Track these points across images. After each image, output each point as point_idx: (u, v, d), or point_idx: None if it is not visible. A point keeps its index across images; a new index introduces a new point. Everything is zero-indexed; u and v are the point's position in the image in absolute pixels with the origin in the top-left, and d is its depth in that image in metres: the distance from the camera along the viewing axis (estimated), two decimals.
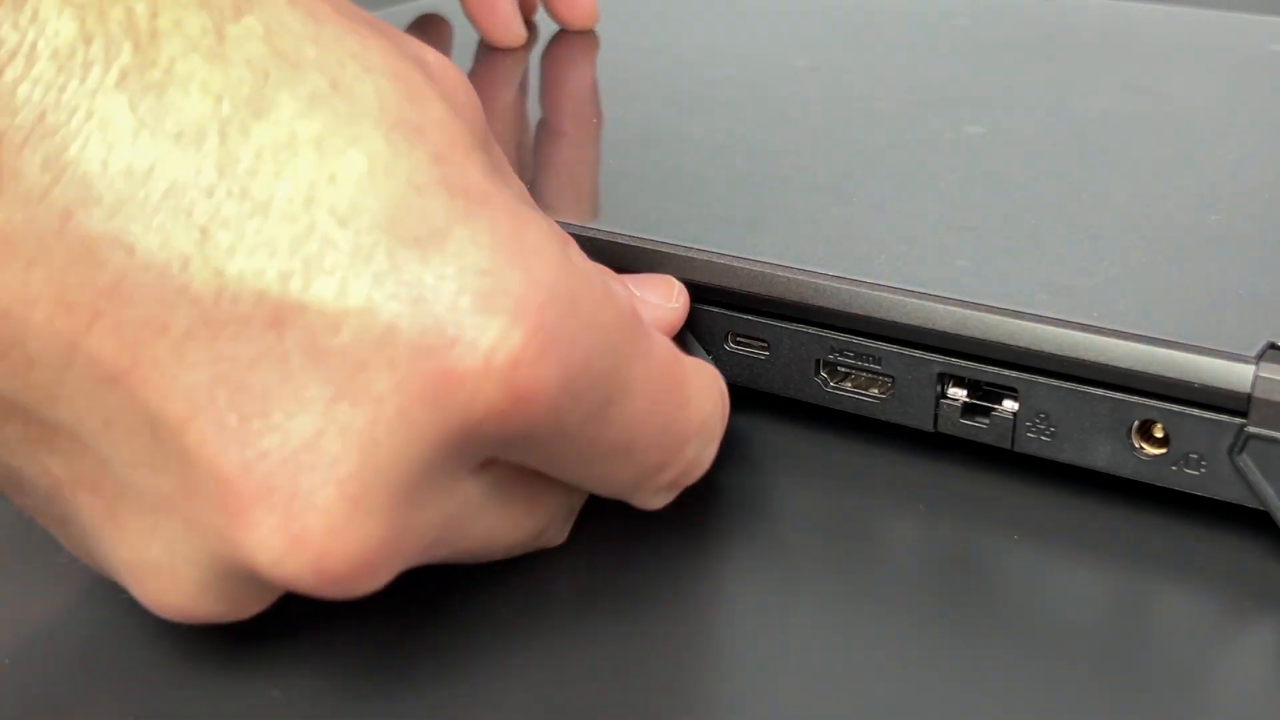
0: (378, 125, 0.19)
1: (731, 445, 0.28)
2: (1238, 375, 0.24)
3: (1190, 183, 0.32)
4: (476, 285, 0.19)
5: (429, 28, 0.45)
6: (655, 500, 0.24)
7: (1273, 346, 0.24)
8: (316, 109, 0.19)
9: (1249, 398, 0.24)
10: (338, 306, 0.18)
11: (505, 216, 0.20)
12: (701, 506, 0.26)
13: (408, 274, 0.19)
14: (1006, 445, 0.26)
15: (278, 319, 0.18)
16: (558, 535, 0.24)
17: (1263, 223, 0.29)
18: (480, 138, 0.22)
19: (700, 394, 0.23)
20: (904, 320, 0.26)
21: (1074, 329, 0.25)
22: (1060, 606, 0.24)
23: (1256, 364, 0.24)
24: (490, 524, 0.22)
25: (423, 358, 0.18)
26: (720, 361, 0.28)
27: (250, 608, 0.21)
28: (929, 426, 0.27)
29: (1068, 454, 0.26)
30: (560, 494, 0.23)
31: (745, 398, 0.29)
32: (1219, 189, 0.31)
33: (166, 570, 0.20)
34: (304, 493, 0.18)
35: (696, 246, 0.28)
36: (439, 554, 0.21)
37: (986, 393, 0.26)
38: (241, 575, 0.20)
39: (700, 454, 0.24)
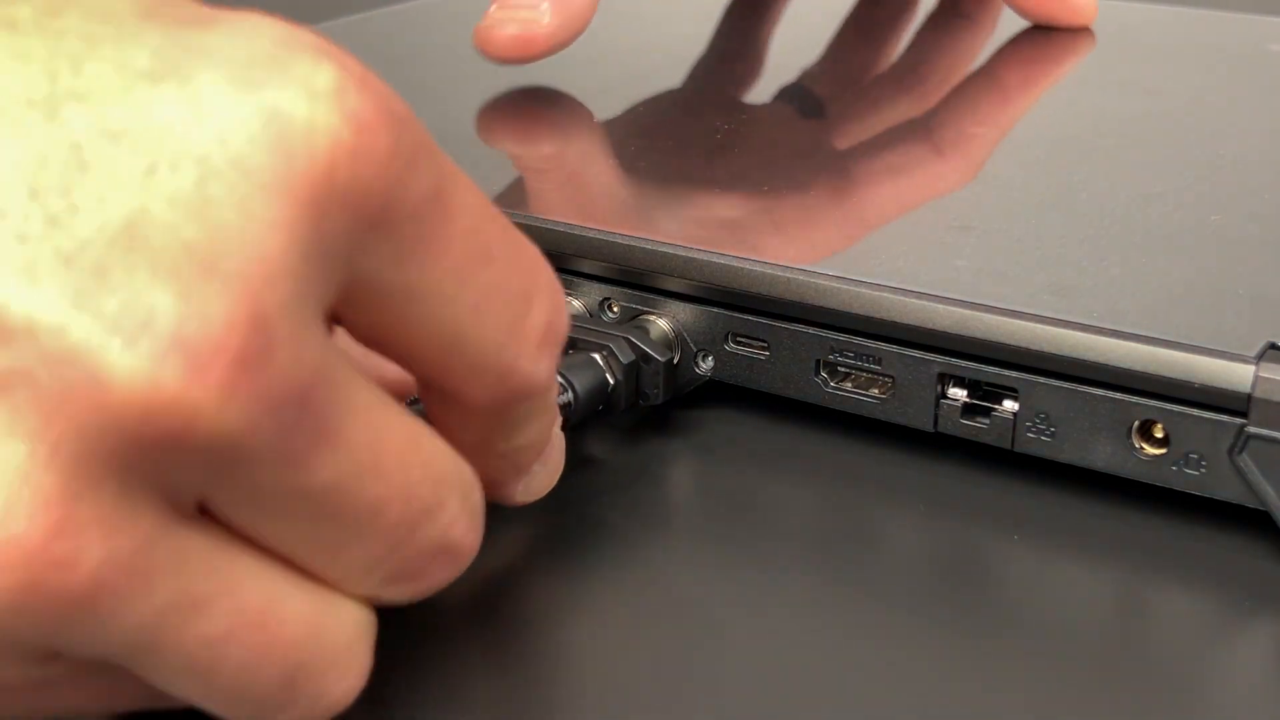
0: None
1: (732, 445, 0.28)
2: (1238, 375, 0.24)
3: (1190, 183, 0.32)
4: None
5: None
6: (539, 360, 0.19)
7: (1273, 346, 0.24)
8: None
9: (1249, 398, 0.24)
10: None
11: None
12: (701, 506, 0.26)
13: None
14: (1006, 445, 0.26)
15: None
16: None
17: (1263, 223, 0.29)
18: None
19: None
20: (904, 320, 0.26)
21: (1074, 329, 0.25)
22: (1060, 606, 0.24)
23: (1256, 364, 0.24)
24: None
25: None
26: (720, 361, 0.28)
27: None
28: (929, 426, 0.27)
29: (1068, 454, 0.26)
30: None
31: (745, 398, 0.29)
32: (1219, 189, 0.31)
33: None
34: None
35: (696, 246, 0.28)
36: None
37: (986, 393, 0.26)
38: None
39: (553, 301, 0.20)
